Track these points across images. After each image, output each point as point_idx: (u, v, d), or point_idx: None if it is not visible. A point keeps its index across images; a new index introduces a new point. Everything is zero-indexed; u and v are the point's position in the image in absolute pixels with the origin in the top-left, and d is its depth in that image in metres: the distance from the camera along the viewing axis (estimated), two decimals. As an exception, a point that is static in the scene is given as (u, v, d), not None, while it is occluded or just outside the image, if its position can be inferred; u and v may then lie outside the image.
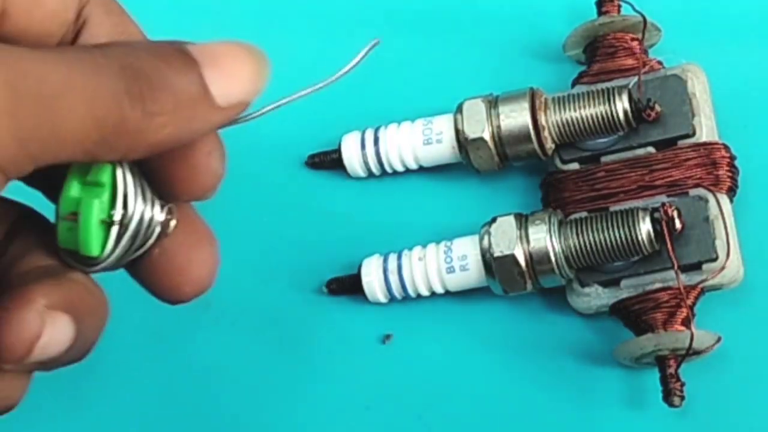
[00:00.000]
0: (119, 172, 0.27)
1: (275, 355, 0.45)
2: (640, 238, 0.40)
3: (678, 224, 0.40)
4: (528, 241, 0.41)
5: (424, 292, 0.43)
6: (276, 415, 0.44)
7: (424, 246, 0.43)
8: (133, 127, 0.27)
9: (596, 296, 0.42)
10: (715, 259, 0.41)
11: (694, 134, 0.43)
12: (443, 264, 0.42)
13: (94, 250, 0.27)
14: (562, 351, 0.43)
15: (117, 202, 0.27)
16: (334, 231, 0.46)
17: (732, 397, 0.42)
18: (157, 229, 0.28)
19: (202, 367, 0.45)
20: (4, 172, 0.26)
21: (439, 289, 0.43)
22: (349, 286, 0.44)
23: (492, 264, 0.41)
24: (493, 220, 0.42)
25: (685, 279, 0.41)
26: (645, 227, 0.40)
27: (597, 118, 0.42)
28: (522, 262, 0.41)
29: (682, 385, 0.40)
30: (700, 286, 0.41)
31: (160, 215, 0.28)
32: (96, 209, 0.27)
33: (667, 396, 0.40)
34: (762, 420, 0.42)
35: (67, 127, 0.26)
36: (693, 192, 0.42)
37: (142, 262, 0.29)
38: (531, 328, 0.44)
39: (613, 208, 0.42)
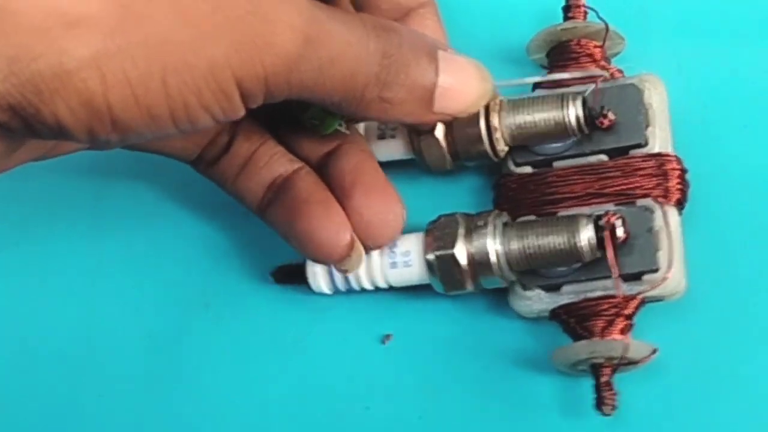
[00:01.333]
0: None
1: (275, 355, 0.45)
2: (580, 245, 0.40)
3: (621, 233, 0.40)
4: (470, 241, 0.41)
5: (368, 286, 0.43)
6: (276, 415, 0.44)
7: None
8: (364, 101, 0.35)
9: (538, 300, 0.42)
10: (656, 270, 0.41)
11: (646, 144, 0.43)
12: (387, 259, 0.43)
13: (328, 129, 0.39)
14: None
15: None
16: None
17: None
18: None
19: (203, 367, 0.45)
20: (267, 96, 0.32)
21: (382, 284, 0.43)
22: (293, 275, 0.44)
23: (433, 262, 0.41)
24: (439, 218, 0.42)
25: (626, 288, 0.41)
26: (586, 234, 0.40)
27: (549, 122, 0.42)
28: (463, 262, 0.41)
29: (615, 394, 0.40)
30: (641, 296, 0.41)
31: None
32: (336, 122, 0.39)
33: (600, 404, 0.40)
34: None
35: (331, 80, 0.33)
36: (641, 202, 0.42)
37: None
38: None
39: (561, 213, 0.42)
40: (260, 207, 0.41)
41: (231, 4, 0.30)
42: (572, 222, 0.40)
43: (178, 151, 0.41)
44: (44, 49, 0.28)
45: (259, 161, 0.40)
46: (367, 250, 0.41)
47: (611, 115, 0.42)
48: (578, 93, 0.42)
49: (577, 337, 0.41)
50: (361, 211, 0.39)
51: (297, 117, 0.40)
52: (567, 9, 0.46)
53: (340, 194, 0.40)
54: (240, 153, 0.40)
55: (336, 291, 0.44)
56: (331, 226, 0.39)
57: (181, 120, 0.30)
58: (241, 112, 0.32)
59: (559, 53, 0.45)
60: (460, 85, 0.37)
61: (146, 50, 0.29)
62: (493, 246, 0.41)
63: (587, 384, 0.41)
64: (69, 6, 0.28)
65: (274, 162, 0.40)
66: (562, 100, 0.42)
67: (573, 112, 0.42)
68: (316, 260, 0.41)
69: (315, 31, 0.32)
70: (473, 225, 0.41)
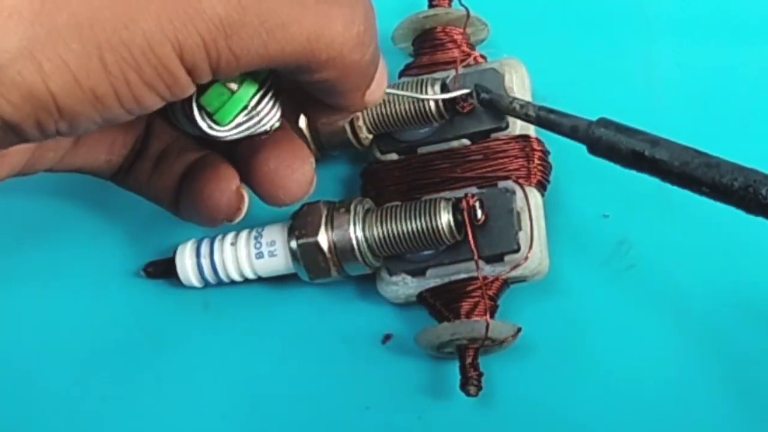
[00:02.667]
0: (271, 78, 0.34)
1: (275, 355, 0.45)
2: (440, 228, 0.40)
3: (479, 215, 0.41)
4: (333, 228, 0.41)
5: (236, 278, 0.43)
6: (276, 415, 0.44)
7: (239, 232, 0.43)
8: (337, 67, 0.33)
9: (404, 285, 0.43)
10: (517, 251, 0.41)
11: (507, 127, 0.43)
12: (253, 249, 0.43)
13: (226, 119, 0.34)
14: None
15: (258, 96, 0.34)
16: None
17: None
18: (266, 128, 0.35)
19: (202, 366, 0.45)
20: (215, 68, 0.30)
21: (250, 275, 0.43)
22: (163, 269, 0.44)
23: (297, 250, 0.41)
24: (302, 207, 0.42)
25: (488, 270, 0.41)
26: (446, 217, 0.40)
27: (409, 108, 0.42)
28: (325, 249, 0.41)
29: (480, 375, 0.41)
30: (503, 277, 0.41)
31: (274, 119, 0.35)
32: (250, 93, 0.34)
33: (464, 385, 0.41)
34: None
35: (291, 43, 0.31)
36: (502, 184, 0.42)
37: (254, 171, 0.37)
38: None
39: (425, 198, 0.42)
40: (172, 202, 0.40)
41: None
42: (432, 206, 0.41)
43: (102, 165, 0.40)
44: None
45: (170, 157, 0.39)
46: (276, 205, 0.39)
47: (471, 100, 0.43)
48: (436, 78, 0.43)
49: (443, 319, 0.42)
50: (269, 161, 0.37)
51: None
52: (431, -3, 0.46)
53: (249, 151, 0.38)
54: (151, 153, 0.40)
55: (206, 284, 0.44)
56: (219, 180, 0.38)
57: (127, 99, 0.30)
58: (191, 88, 0.31)
59: (424, 41, 0.46)
60: (384, 72, 0.37)
61: (77, 30, 0.28)
62: (354, 232, 0.41)
63: (453, 366, 0.41)
64: None
65: (183, 154, 0.39)
66: (421, 86, 0.42)
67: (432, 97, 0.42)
68: (208, 220, 0.39)
69: None
70: (336, 212, 0.41)
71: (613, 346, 0.42)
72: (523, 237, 0.41)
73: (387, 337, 0.44)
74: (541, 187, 0.43)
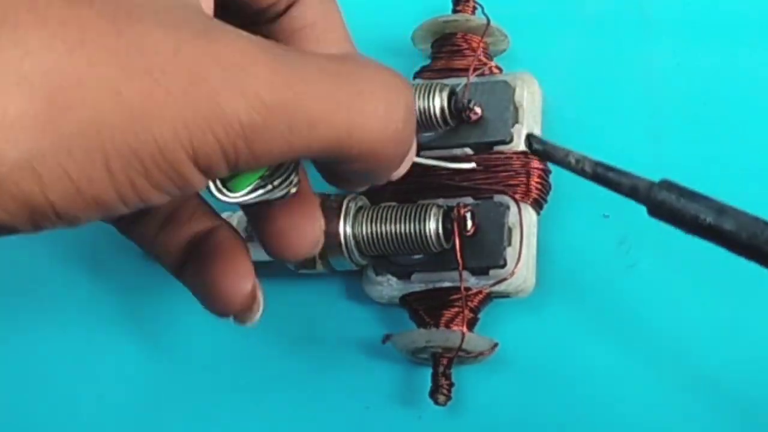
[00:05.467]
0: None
1: (274, 355, 0.45)
2: (428, 234, 0.40)
3: (469, 225, 0.41)
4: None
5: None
6: (276, 415, 0.44)
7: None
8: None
9: (388, 286, 0.43)
10: (502, 266, 0.41)
11: (510, 141, 0.43)
12: (242, 233, 0.43)
13: (240, 187, 0.31)
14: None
15: (274, 171, 0.32)
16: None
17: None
18: (281, 194, 0.33)
19: (201, 365, 0.46)
20: (233, 167, 0.28)
21: (239, 258, 0.43)
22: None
23: (285, 239, 0.42)
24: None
25: (473, 282, 0.41)
26: (434, 224, 0.40)
27: (414, 112, 0.42)
28: (313, 241, 0.41)
29: (451, 384, 0.41)
30: (486, 290, 0.41)
31: (291, 186, 0.33)
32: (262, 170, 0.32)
33: (433, 393, 0.41)
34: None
35: (318, 142, 0.29)
36: (497, 197, 0.42)
37: (263, 224, 0.35)
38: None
39: (419, 202, 0.42)
40: (176, 267, 0.37)
41: (171, 76, 0.26)
42: (422, 211, 0.41)
43: None
44: None
45: (181, 218, 0.37)
46: (285, 261, 0.38)
47: (477, 109, 0.42)
48: (445, 84, 0.43)
49: (421, 325, 0.42)
50: (278, 220, 0.35)
51: None
52: (456, 2, 0.46)
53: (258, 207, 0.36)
54: (161, 210, 0.36)
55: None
56: (234, 275, 0.36)
57: (132, 201, 0.27)
58: (203, 185, 0.29)
59: (442, 45, 0.46)
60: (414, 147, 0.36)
61: (83, 140, 0.26)
62: (342, 228, 0.41)
63: (427, 372, 0.41)
64: None
65: (195, 219, 0.36)
66: (429, 90, 0.42)
67: (438, 103, 0.42)
68: (217, 312, 0.37)
69: (280, 95, 0.28)
70: (327, 205, 0.42)
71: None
72: (510, 253, 0.41)
73: (387, 337, 0.44)
74: (537, 205, 0.42)
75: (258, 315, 0.36)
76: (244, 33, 0.28)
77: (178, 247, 0.36)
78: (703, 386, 0.41)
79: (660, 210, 0.35)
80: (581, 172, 0.38)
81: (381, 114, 0.30)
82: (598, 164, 0.37)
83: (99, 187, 0.26)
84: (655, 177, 0.43)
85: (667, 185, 0.36)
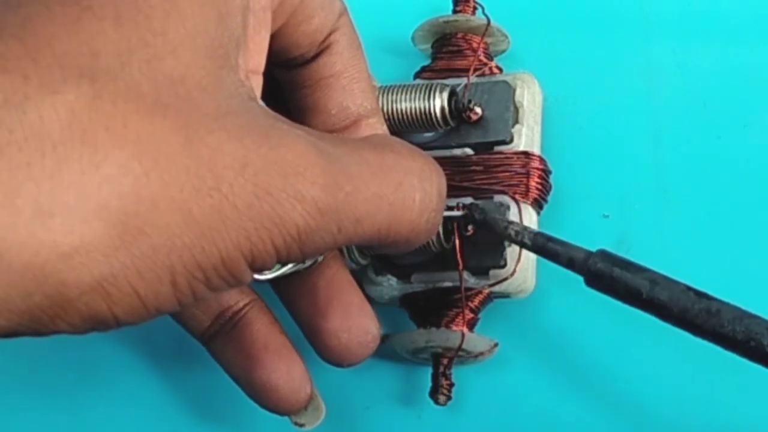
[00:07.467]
0: None
1: None
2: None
3: (468, 226, 0.41)
4: (323, 221, 0.41)
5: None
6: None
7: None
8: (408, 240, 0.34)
9: (389, 286, 0.43)
10: (502, 266, 0.41)
11: (511, 142, 0.43)
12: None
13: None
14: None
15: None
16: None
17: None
18: (308, 264, 0.35)
19: (201, 365, 0.45)
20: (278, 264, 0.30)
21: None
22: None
23: (286, 239, 0.42)
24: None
25: (473, 282, 0.41)
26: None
27: (414, 111, 0.42)
28: (313, 241, 0.41)
29: (451, 384, 0.41)
30: (486, 290, 0.41)
31: (315, 259, 0.36)
32: None
33: (433, 393, 0.41)
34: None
35: (361, 236, 0.31)
36: (497, 198, 0.42)
37: (311, 325, 0.37)
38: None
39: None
40: (204, 336, 0.38)
41: (238, 190, 0.27)
42: (428, 89, 0.41)
43: None
44: (37, 287, 0.25)
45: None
46: (334, 365, 0.39)
47: (478, 110, 0.42)
48: (445, 84, 0.43)
49: (421, 325, 0.42)
50: (339, 334, 0.37)
51: None
52: (456, 2, 0.46)
53: (312, 312, 0.37)
54: None
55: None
56: (292, 380, 0.37)
57: (187, 301, 0.28)
58: (249, 280, 0.30)
59: (442, 45, 0.46)
60: None
61: (152, 261, 0.27)
62: (343, 228, 0.41)
63: (427, 372, 0.41)
64: (63, 237, 0.25)
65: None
66: (430, 90, 0.42)
67: (438, 103, 0.42)
68: (272, 411, 0.39)
69: (333, 198, 0.29)
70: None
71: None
72: (510, 253, 0.41)
73: (387, 337, 0.44)
74: (538, 205, 0.43)
75: (318, 417, 0.40)
76: (300, 130, 0.29)
77: (206, 317, 0.38)
78: (709, 382, 0.41)
79: (596, 280, 0.36)
80: (521, 244, 0.38)
81: (417, 205, 0.32)
82: (537, 235, 0.38)
83: (163, 300, 0.27)
84: (655, 177, 0.43)
85: (603, 255, 0.36)
